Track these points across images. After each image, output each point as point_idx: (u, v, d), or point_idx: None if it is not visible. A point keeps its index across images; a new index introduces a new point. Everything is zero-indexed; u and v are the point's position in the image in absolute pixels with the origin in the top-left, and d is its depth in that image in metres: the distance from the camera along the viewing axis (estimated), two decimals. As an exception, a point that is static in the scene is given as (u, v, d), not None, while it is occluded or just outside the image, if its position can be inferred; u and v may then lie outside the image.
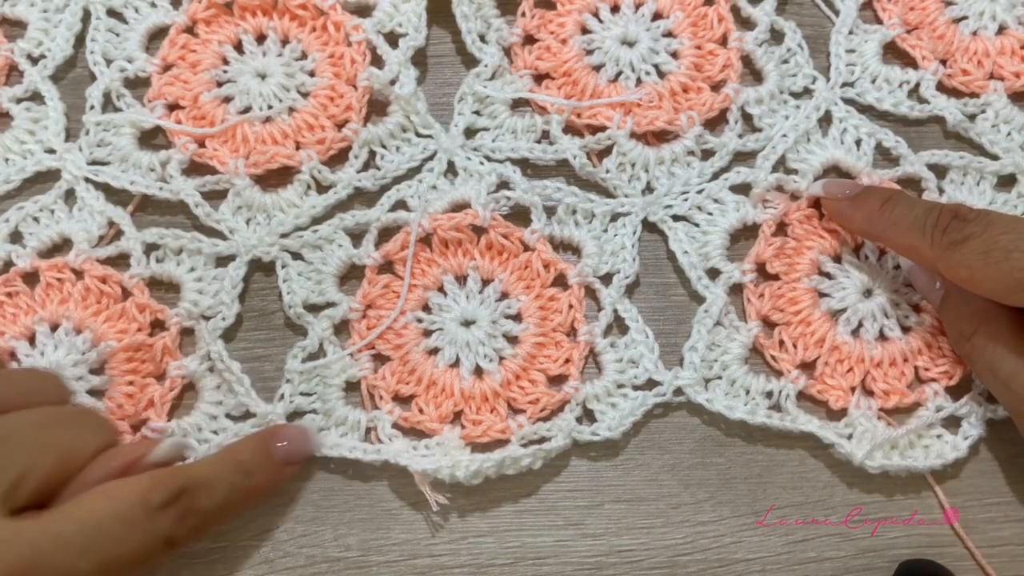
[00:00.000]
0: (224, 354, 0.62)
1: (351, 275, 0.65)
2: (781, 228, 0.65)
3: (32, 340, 0.62)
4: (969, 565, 0.60)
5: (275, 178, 0.65)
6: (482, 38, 0.68)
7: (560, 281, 0.64)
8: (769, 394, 0.62)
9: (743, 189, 0.66)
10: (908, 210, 0.59)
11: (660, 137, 0.67)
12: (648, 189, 0.66)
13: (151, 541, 0.50)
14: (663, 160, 0.66)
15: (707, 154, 0.67)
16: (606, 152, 0.66)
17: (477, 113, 0.67)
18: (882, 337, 0.63)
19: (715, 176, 0.66)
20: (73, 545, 0.48)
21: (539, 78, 0.68)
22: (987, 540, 0.60)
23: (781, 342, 0.63)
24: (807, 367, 0.63)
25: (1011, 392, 0.56)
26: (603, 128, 0.66)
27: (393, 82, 0.66)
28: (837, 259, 0.65)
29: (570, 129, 0.67)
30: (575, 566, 0.59)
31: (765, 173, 0.66)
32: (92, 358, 0.61)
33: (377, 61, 0.67)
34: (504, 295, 0.64)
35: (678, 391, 0.62)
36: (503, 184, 0.65)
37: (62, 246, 0.64)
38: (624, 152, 0.66)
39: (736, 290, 0.64)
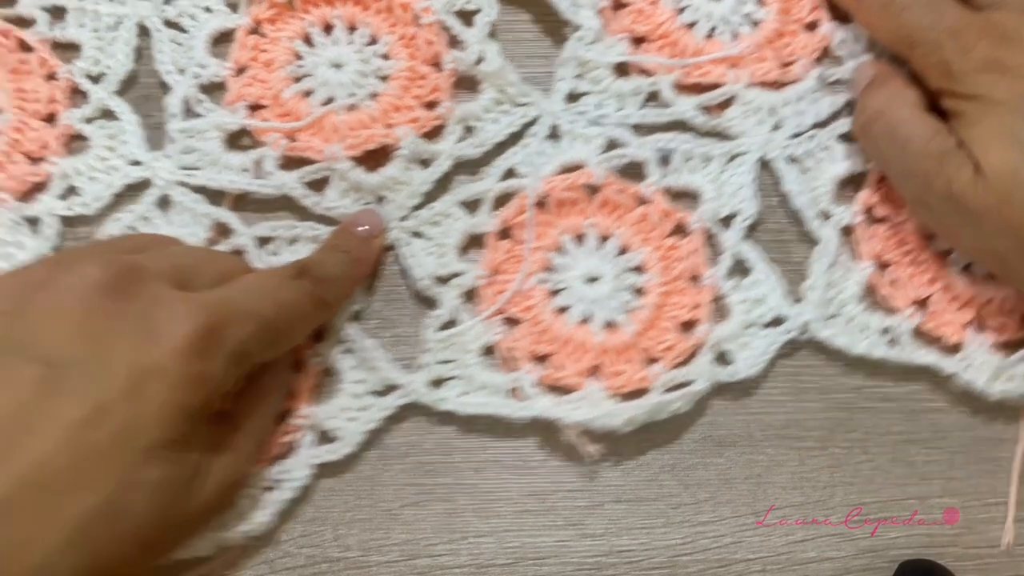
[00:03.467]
0: (360, 335, 0.62)
1: (469, 245, 0.64)
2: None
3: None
4: (969, 565, 0.60)
5: (373, 159, 0.65)
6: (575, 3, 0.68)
7: (678, 230, 0.65)
8: (886, 331, 0.63)
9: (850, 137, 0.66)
10: None
11: (774, 85, 0.67)
12: (775, 128, 0.66)
13: (304, 296, 0.57)
14: (788, 101, 0.66)
15: (833, 87, 0.67)
16: (725, 105, 0.66)
17: (579, 77, 0.67)
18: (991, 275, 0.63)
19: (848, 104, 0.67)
20: (251, 292, 0.55)
21: (636, 41, 0.68)
22: (987, 540, 0.60)
23: (894, 281, 0.64)
24: (920, 304, 0.63)
25: (905, 154, 0.59)
26: (713, 86, 0.66)
27: (478, 61, 0.66)
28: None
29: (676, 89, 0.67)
30: (575, 566, 0.59)
31: None
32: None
33: (453, 40, 0.67)
34: (624, 249, 0.64)
35: (804, 329, 0.62)
36: (612, 144, 0.66)
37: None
38: (747, 101, 0.66)
39: (847, 232, 0.64)
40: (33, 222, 0.64)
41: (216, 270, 0.56)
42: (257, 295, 0.55)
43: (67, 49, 0.67)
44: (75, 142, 0.65)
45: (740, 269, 0.64)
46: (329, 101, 0.66)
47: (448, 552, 0.59)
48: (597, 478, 0.61)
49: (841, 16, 0.67)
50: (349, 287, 0.62)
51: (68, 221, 0.64)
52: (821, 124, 0.66)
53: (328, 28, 0.68)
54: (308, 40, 0.68)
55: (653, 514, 0.60)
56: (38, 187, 0.64)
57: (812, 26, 0.68)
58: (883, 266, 0.64)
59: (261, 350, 0.54)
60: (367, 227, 0.63)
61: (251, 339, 0.52)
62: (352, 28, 0.68)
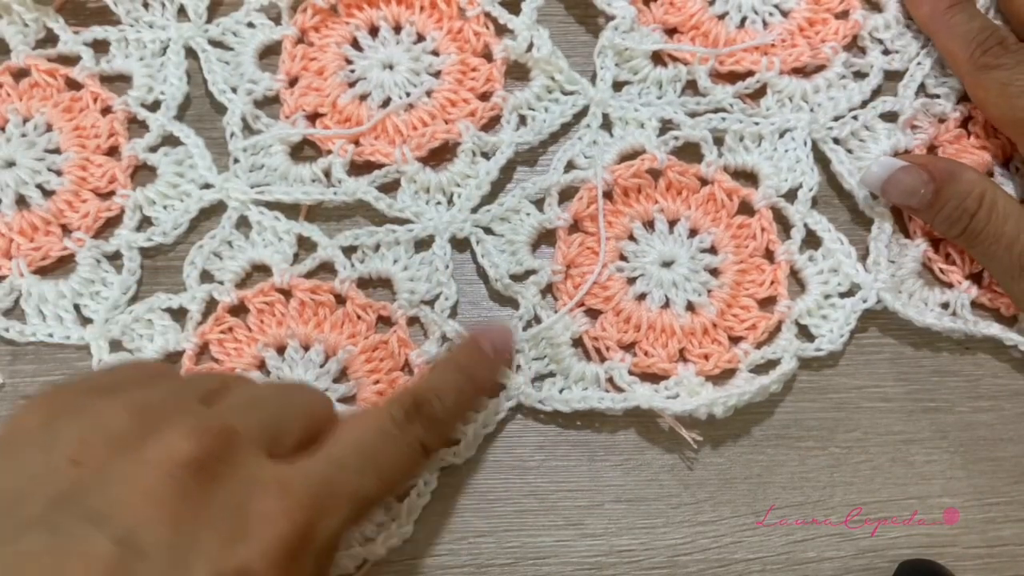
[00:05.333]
0: (463, 330, 0.63)
1: (539, 241, 0.66)
2: (931, 151, 0.66)
3: (263, 367, 0.63)
4: (969, 565, 0.58)
5: (438, 156, 0.67)
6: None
7: (745, 208, 0.65)
8: (945, 305, 0.63)
9: (891, 117, 0.66)
10: (967, 20, 0.64)
11: (804, 72, 0.68)
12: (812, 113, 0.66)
13: (410, 449, 0.53)
14: (819, 88, 0.66)
15: (859, 76, 0.68)
16: (759, 94, 0.67)
17: (617, 66, 0.68)
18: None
19: (875, 94, 0.67)
20: (352, 466, 0.50)
21: (669, 32, 0.69)
22: (987, 540, 0.59)
23: (947, 255, 0.64)
24: (975, 278, 0.64)
25: (1010, 255, 0.60)
26: (747, 74, 0.67)
27: (529, 48, 0.67)
28: (989, 174, 0.65)
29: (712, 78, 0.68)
30: (575, 566, 0.60)
31: (909, 101, 0.66)
32: (333, 368, 0.63)
33: (499, 28, 0.69)
34: (694, 231, 0.65)
35: (877, 299, 0.63)
36: (665, 126, 0.66)
37: (252, 273, 0.65)
38: (779, 89, 0.66)
39: (895, 210, 0.64)
40: (112, 257, 0.65)
41: (304, 420, 0.52)
42: (359, 467, 0.50)
43: (117, 81, 0.68)
44: (142, 172, 0.67)
45: (811, 241, 0.64)
46: (386, 102, 0.67)
47: (448, 552, 0.60)
48: (597, 478, 0.61)
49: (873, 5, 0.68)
50: (461, 422, 0.60)
51: (144, 252, 0.65)
52: (854, 108, 0.66)
53: (374, 30, 0.69)
54: (356, 44, 0.69)
55: (653, 514, 0.60)
56: (112, 222, 0.65)
57: (842, 15, 0.68)
58: (935, 242, 0.64)
59: (354, 526, 0.52)
60: (499, 345, 0.60)
61: (347, 523, 0.49)
62: (398, 28, 0.69)
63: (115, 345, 0.63)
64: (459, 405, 0.58)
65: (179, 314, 0.63)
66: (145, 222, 0.66)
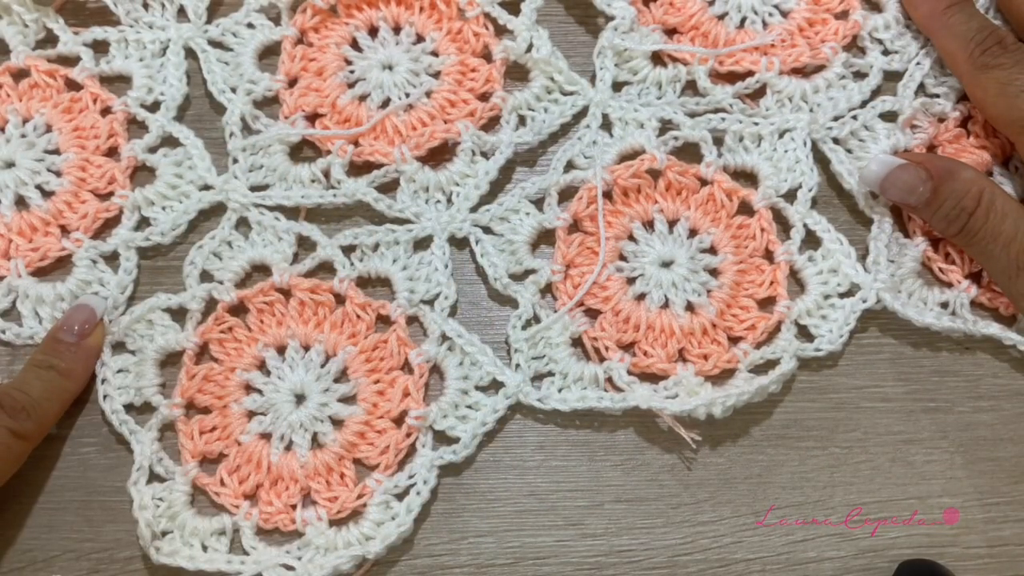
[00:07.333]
0: (462, 330, 0.63)
1: (538, 241, 0.66)
2: (931, 151, 0.66)
3: (263, 368, 0.63)
4: (969, 565, 0.58)
5: (437, 156, 0.66)
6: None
7: (744, 208, 0.65)
8: (944, 304, 0.63)
9: (891, 117, 0.66)
10: (965, 20, 0.64)
11: (804, 72, 0.68)
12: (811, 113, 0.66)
13: None
14: (819, 89, 0.66)
15: (859, 77, 0.68)
16: (758, 94, 0.67)
17: (616, 67, 0.67)
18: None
19: (875, 94, 0.67)
20: None
21: (668, 33, 0.69)
22: (987, 540, 0.59)
23: (947, 254, 0.64)
24: (974, 277, 0.64)
25: (1007, 254, 0.60)
26: (746, 74, 0.67)
27: (528, 49, 0.67)
28: (988, 173, 0.65)
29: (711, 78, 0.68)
30: (575, 566, 0.60)
31: (909, 100, 0.66)
32: (333, 368, 0.63)
33: (498, 29, 0.69)
34: (693, 232, 0.65)
35: (876, 299, 0.62)
36: (664, 126, 0.66)
37: (252, 273, 0.65)
38: (779, 89, 0.66)
39: (895, 209, 0.64)
40: (110, 258, 0.65)
41: None
42: None
43: (117, 81, 0.68)
44: (141, 173, 0.67)
45: (810, 241, 0.64)
46: (386, 103, 0.67)
47: (448, 552, 0.60)
48: (597, 478, 0.61)
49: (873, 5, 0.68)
50: (58, 406, 0.61)
51: (143, 252, 0.65)
52: (854, 108, 0.66)
53: (373, 31, 0.69)
54: (355, 45, 0.69)
55: (653, 514, 0.60)
56: (111, 223, 0.65)
57: (842, 16, 0.69)
58: (934, 242, 0.64)
59: None
60: (77, 328, 0.61)
61: None
62: (397, 29, 0.69)
63: (117, 346, 0.63)
64: (49, 392, 0.60)
65: (179, 314, 0.63)
66: (143, 223, 0.66)
